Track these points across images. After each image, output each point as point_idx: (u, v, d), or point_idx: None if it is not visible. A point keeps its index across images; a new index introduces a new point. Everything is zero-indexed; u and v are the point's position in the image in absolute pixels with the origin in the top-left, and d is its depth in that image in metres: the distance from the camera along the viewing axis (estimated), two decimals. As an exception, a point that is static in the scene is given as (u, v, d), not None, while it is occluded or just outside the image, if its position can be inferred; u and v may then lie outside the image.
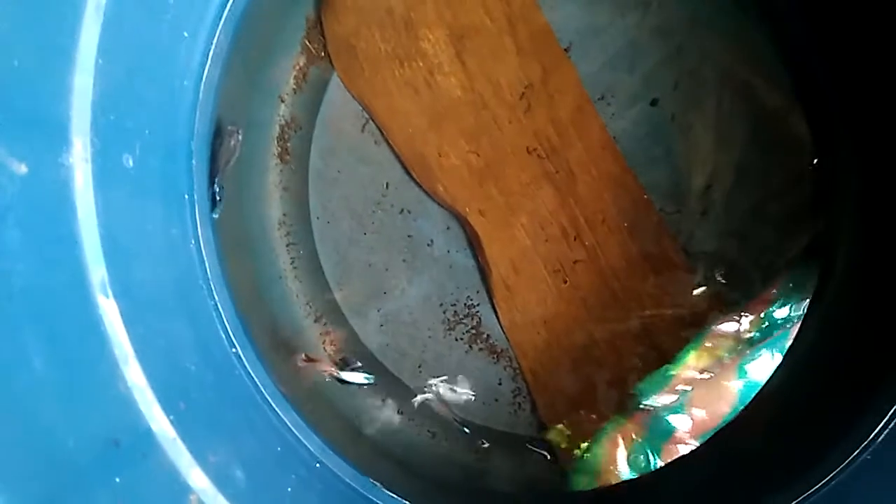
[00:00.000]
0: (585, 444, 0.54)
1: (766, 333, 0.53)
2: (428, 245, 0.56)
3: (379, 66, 0.54)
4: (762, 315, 0.54)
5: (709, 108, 0.55)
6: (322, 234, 0.57)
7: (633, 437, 0.54)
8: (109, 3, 0.36)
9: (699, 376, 0.54)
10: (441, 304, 0.56)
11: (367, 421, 0.55)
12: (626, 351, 0.55)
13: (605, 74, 0.55)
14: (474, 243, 0.56)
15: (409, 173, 0.56)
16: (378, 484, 0.49)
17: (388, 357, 0.57)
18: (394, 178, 0.56)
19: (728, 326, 0.54)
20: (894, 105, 0.48)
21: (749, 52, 0.54)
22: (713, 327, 0.54)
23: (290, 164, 0.56)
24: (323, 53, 0.55)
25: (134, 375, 0.35)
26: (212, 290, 0.47)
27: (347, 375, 0.54)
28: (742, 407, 0.53)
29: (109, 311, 0.35)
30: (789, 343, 0.53)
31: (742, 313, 0.54)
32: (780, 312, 0.53)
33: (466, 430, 0.56)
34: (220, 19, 0.46)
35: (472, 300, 0.56)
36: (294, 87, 0.56)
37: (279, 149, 0.56)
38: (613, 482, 0.54)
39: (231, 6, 0.46)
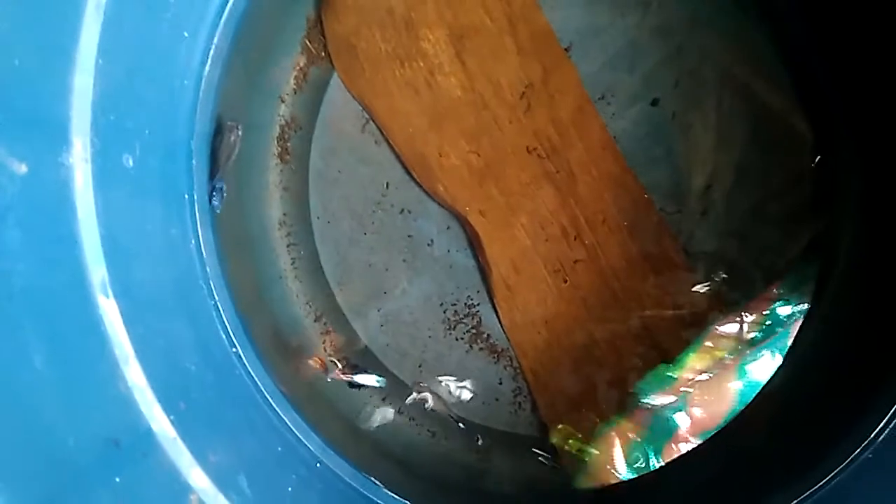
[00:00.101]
0: (586, 443, 0.54)
1: (767, 333, 0.53)
2: (428, 245, 0.56)
3: (379, 66, 0.54)
4: (763, 315, 0.54)
5: (709, 107, 0.55)
6: (322, 234, 0.57)
7: (634, 436, 0.54)
8: (110, 3, 0.36)
9: (699, 376, 0.54)
10: (441, 304, 0.56)
11: (367, 420, 0.55)
12: (626, 351, 0.55)
13: (606, 74, 0.55)
14: (474, 243, 0.56)
15: (409, 173, 0.56)
16: (378, 483, 0.49)
17: (388, 357, 0.57)
18: (394, 178, 0.56)
19: (728, 326, 0.54)
20: (895, 104, 0.48)
21: (749, 52, 0.54)
22: (713, 327, 0.54)
23: (291, 164, 0.56)
24: (323, 53, 0.55)
25: (134, 375, 0.35)
26: (212, 290, 0.47)
27: (360, 378, 0.54)
28: (743, 406, 0.53)
29: (109, 310, 0.35)
30: (790, 343, 0.53)
31: (742, 313, 0.54)
32: (781, 312, 0.53)
33: (462, 426, 0.55)
34: (221, 19, 0.46)
35: (472, 300, 0.56)
36: (294, 87, 0.56)
37: (279, 149, 0.56)
38: (614, 482, 0.54)
39: (231, 6, 0.46)
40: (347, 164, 0.56)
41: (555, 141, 0.54)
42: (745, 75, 0.54)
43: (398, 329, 0.57)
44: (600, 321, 0.54)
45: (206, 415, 0.40)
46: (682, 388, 0.54)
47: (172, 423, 0.35)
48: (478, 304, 0.56)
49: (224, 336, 0.46)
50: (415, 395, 0.55)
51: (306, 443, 0.47)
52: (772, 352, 0.53)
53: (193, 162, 0.45)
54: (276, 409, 0.48)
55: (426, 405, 0.55)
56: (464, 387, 0.56)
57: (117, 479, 0.31)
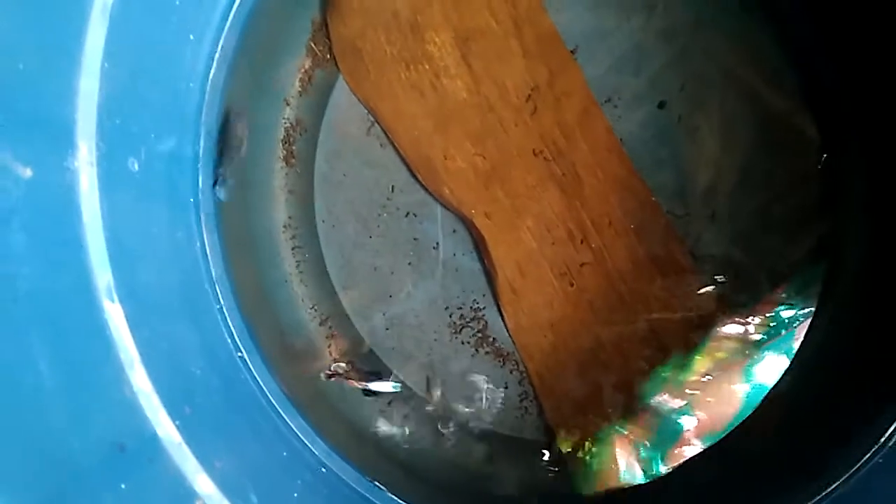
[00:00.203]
0: (592, 448, 0.54)
1: (773, 335, 0.53)
2: (434, 248, 0.56)
3: (385, 69, 0.54)
4: (769, 317, 0.53)
5: (715, 110, 0.54)
6: (327, 237, 0.57)
7: (640, 440, 0.54)
8: (115, 6, 0.36)
9: (705, 379, 0.53)
10: (447, 308, 0.56)
11: (372, 424, 0.55)
12: (633, 354, 0.54)
13: (612, 77, 0.55)
14: (480, 246, 0.55)
15: (414, 176, 0.55)
16: (383, 488, 0.49)
17: (393, 360, 0.56)
18: (399, 180, 0.56)
19: (735, 328, 0.54)
20: (902, 106, 0.48)
21: (755, 54, 0.54)
22: (720, 330, 0.54)
23: (296, 167, 0.56)
24: (328, 56, 0.55)
25: (139, 380, 0.35)
26: (217, 294, 0.47)
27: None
28: (749, 410, 0.53)
29: (115, 314, 0.35)
30: (797, 345, 0.53)
31: (749, 315, 0.54)
32: (788, 314, 0.53)
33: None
34: (226, 22, 0.46)
35: (478, 303, 0.56)
36: (299, 89, 0.56)
37: (284, 152, 0.56)
38: (620, 487, 0.53)
39: (236, 9, 0.46)
40: (353, 166, 0.56)
41: (561, 144, 0.54)
42: (751, 77, 0.54)
43: (403, 332, 0.56)
44: (607, 324, 0.54)
45: (211, 419, 0.40)
46: (687, 391, 0.54)
47: (178, 428, 0.35)
48: (483, 308, 0.56)
49: (229, 340, 0.47)
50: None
51: (311, 447, 0.47)
52: (778, 354, 0.53)
53: (199, 165, 0.45)
54: (282, 413, 0.48)
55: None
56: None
57: (123, 486, 0.31)
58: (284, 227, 0.56)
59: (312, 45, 0.55)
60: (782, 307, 0.53)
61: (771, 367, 0.53)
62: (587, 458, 0.54)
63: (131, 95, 0.38)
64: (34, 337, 0.31)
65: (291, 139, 0.56)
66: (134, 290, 0.36)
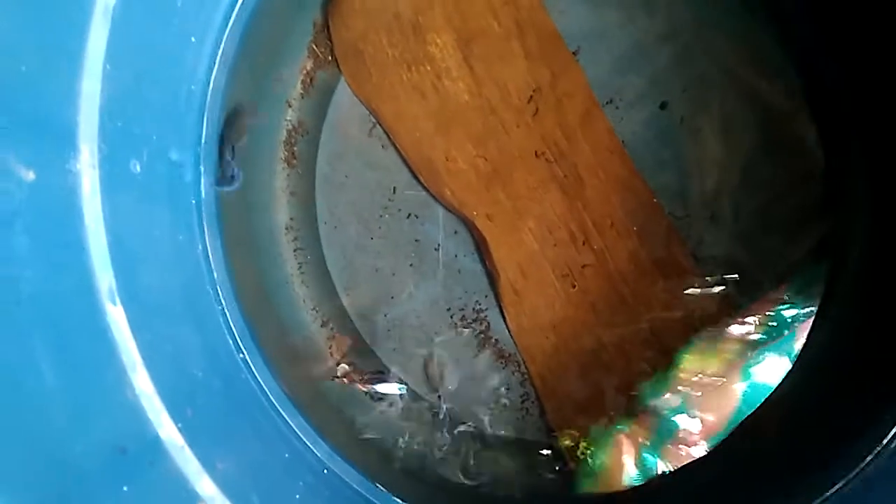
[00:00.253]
0: (592, 448, 0.54)
1: (775, 336, 0.53)
2: (435, 249, 0.56)
3: (386, 71, 0.54)
4: (770, 317, 0.53)
5: (717, 111, 0.54)
6: (329, 239, 0.57)
7: (641, 441, 0.54)
8: (117, 9, 0.35)
9: (706, 379, 0.53)
10: (448, 309, 0.56)
11: (373, 425, 0.55)
12: (634, 356, 0.54)
13: (614, 78, 0.55)
14: (482, 248, 0.55)
15: (416, 178, 0.55)
16: (385, 490, 0.48)
17: (395, 362, 0.56)
18: (401, 182, 0.56)
19: (736, 329, 0.54)
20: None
21: (757, 55, 0.54)
22: (722, 330, 0.54)
23: (297, 168, 0.56)
24: (330, 58, 0.55)
25: (141, 382, 0.35)
26: (219, 295, 0.47)
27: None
28: (750, 411, 0.53)
29: (117, 317, 0.35)
30: (798, 346, 0.53)
31: (751, 316, 0.54)
32: (789, 314, 0.53)
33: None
34: (228, 24, 0.46)
35: (479, 305, 0.56)
36: (301, 91, 0.56)
37: (286, 153, 0.56)
38: (620, 487, 0.53)
39: (238, 11, 0.46)
40: (354, 168, 0.56)
41: (562, 145, 0.54)
42: (753, 77, 0.54)
43: (405, 334, 0.56)
44: (609, 326, 0.54)
45: (213, 422, 0.39)
46: (688, 391, 0.54)
47: (180, 430, 0.35)
48: (485, 309, 0.56)
49: (231, 341, 0.46)
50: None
51: (313, 449, 0.47)
52: (779, 354, 0.53)
53: (201, 167, 0.45)
54: (283, 414, 0.48)
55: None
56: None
57: (125, 489, 0.31)
58: (286, 228, 0.56)
59: (314, 46, 0.55)
60: (783, 307, 0.53)
61: (772, 368, 0.53)
62: (588, 458, 0.54)
63: (133, 97, 0.38)
64: (36, 339, 0.31)
65: (293, 140, 0.56)
66: (136, 292, 0.36)
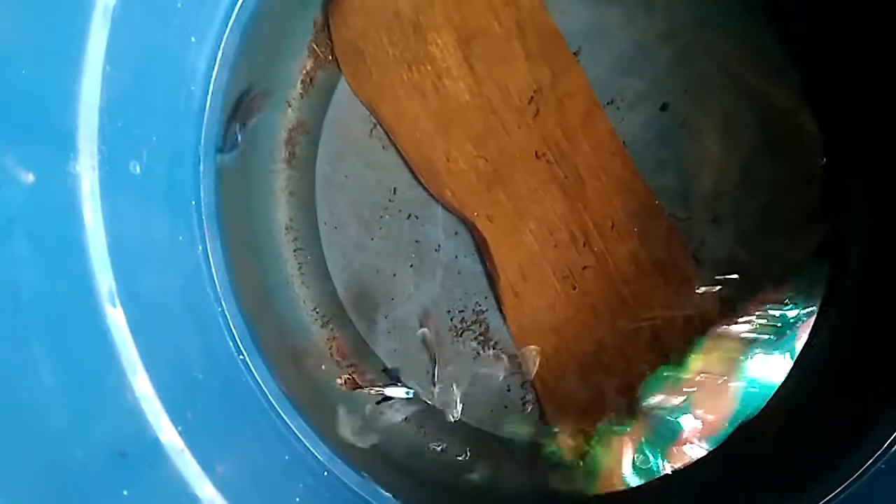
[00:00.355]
0: (593, 449, 0.54)
1: (776, 336, 0.53)
2: (436, 250, 0.56)
3: (387, 70, 0.54)
4: (772, 318, 0.53)
5: (718, 111, 0.54)
6: (329, 239, 0.56)
7: (641, 442, 0.54)
8: (117, 9, 0.35)
9: (707, 379, 0.53)
10: (449, 311, 0.56)
11: (374, 427, 0.55)
12: (635, 357, 0.54)
13: (615, 79, 0.54)
14: (482, 249, 0.55)
15: (416, 178, 0.55)
16: (385, 492, 0.48)
17: (395, 363, 0.56)
18: (401, 182, 0.56)
19: (738, 329, 0.54)
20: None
21: (757, 55, 0.54)
22: (723, 331, 0.54)
23: (297, 168, 0.56)
24: (330, 57, 0.55)
25: (141, 385, 0.34)
26: (219, 297, 0.47)
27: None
28: (751, 411, 0.53)
29: (117, 319, 0.35)
30: (800, 346, 0.53)
31: (752, 317, 0.54)
32: (791, 315, 0.53)
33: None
34: (228, 24, 0.46)
35: (480, 306, 0.56)
36: (301, 91, 0.56)
37: (286, 153, 0.56)
38: (620, 487, 0.53)
39: (238, 11, 0.46)
40: (354, 168, 0.56)
41: (563, 146, 0.54)
42: (753, 77, 0.54)
43: (405, 335, 0.56)
44: (609, 328, 0.54)
45: (213, 424, 0.39)
46: (688, 392, 0.54)
47: (180, 433, 0.35)
48: (486, 311, 0.56)
49: (231, 342, 0.46)
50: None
51: (314, 451, 0.47)
52: (781, 355, 0.53)
53: (201, 168, 0.45)
54: (283, 416, 0.48)
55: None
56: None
57: (125, 493, 0.31)
58: (286, 228, 0.56)
59: (314, 46, 0.55)
60: (784, 308, 0.53)
61: (773, 368, 0.53)
62: (589, 459, 0.54)
63: (133, 98, 0.38)
64: (36, 342, 0.30)
65: (293, 141, 0.56)
66: (136, 294, 0.36)
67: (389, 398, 0.55)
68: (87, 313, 0.34)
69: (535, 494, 0.55)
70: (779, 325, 0.53)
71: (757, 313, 0.54)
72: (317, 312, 0.57)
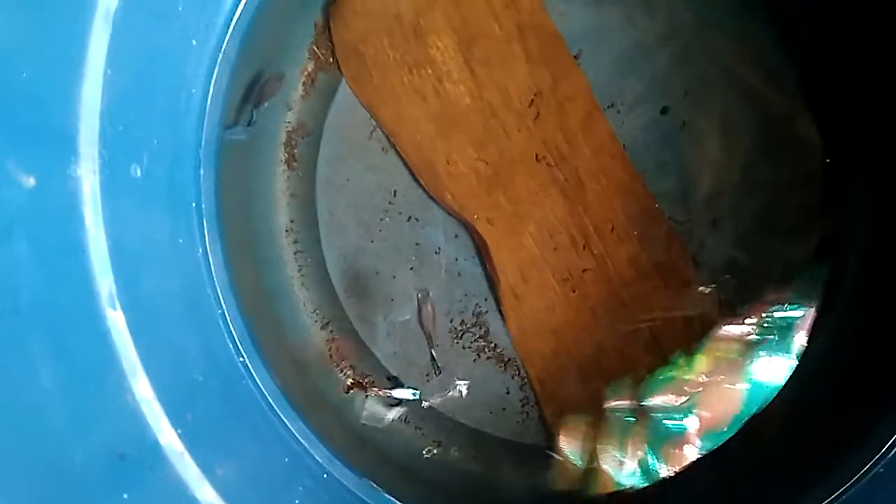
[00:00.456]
0: (592, 452, 0.54)
1: (776, 337, 0.53)
2: (436, 253, 0.56)
3: (387, 73, 0.54)
4: (772, 319, 0.53)
5: (718, 114, 0.54)
6: (329, 242, 0.56)
7: (640, 443, 0.54)
8: (118, 13, 0.35)
9: (707, 381, 0.53)
10: (448, 313, 0.56)
11: (374, 429, 0.55)
12: (634, 360, 0.54)
13: (615, 82, 0.54)
14: (482, 251, 0.55)
15: (416, 181, 0.55)
16: (385, 493, 0.48)
17: (395, 365, 0.56)
18: (402, 185, 0.56)
19: (738, 331, 0.54)
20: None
21: (757, 56, 0.54)
22: (723, 333, 0.54)
23: (298, 170, 0.56)
24: (331, 60, 0.55)
25: (142, 388, 0.35)
26: (219, 298, 0.47)
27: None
28: (751, 412, 0.52)
29: (117, 322, 0.35)
30: (800, 347, 0.53)
31: (752, 318, 0.54)
32: (791, 316, 0.53)
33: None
34: (229, 27, 0.46)
35: (480, 308, 0.56)
36: (302, 93, 0.56)
37: (287, 155, 0.56)
38: (620, 490, 0.53)
39: (240, 14, 0.46)
40: (355, 171, 0.56)
41: (563, 149, 0.54)
42: (754, 79, 0.54)
43: (405, 337, 0.56)
44: (609, 330, 0.54)
45: (212, 426, 0.39)
46: (688, 394, 0.53)
47: (179, 436, 0.35)
48: (485, 313, 0.56)
49: (230, 344, 0.46)
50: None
51: (313, 453, 0.47)
52: (780, 357, 0.53)
53: (201, 170, 0.45)
54: (283, 417, 0.48)
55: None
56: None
57: (125, 496, 0.31)
58: (286, 230, 0.56)
59: (315, 48, 0.55)
60: (784, 309, 0.53)
61: (773, 370, 0.53)
62: (588, 462, 0.54)
63: (134, 101, 0.38)
64: (36, 345, 0.31)
65: (294, 143, 0.56)
66: (136, 297, 0.36)
67: (398, 400, 0.55)
68: (88, 316, 0.34)
69: (535, 496, 0.55)
70: (778, 326, 0.53)
71: (756, 315, 0.54)
72: (317, 314, 0.57)
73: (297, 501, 0.42)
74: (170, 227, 0.42)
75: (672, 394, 0.54)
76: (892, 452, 0.43)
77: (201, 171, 0.46)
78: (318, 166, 0.56)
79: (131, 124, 0.37)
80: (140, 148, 0.39)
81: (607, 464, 0.54)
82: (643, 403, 0.54)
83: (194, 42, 0.43)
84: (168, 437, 0.35)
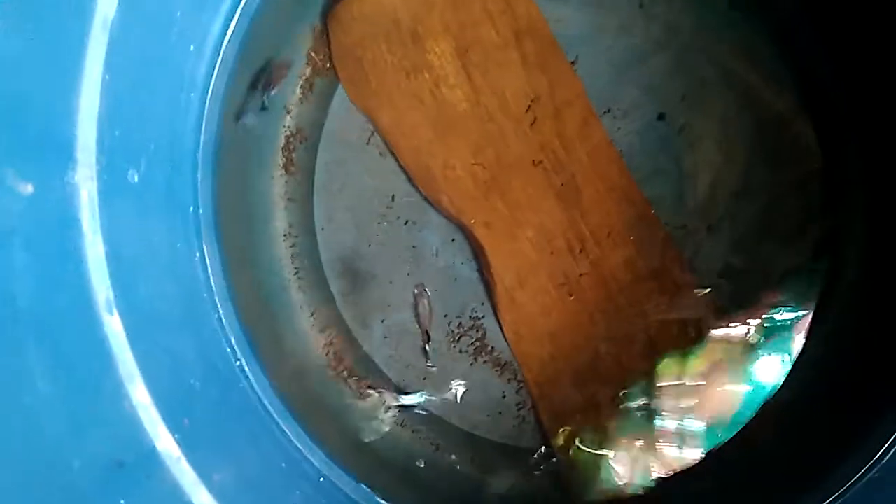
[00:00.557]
0: (589, 456, 0.54)
1: (772, 340, 0.53)
2: (433, 257, 0.56)
3: (385, 78, 0.54)
4: (768, 321, 0.53)
5: (716, 119, 0.54)
6: (327, 246, 0.57)
7: (636, 447, 0.54)
8: (116, 19, 0.36)
9: (703, 384, 0.53)
10: (446, 316, 0.56)
11: (371, 433, 0.55)
12: (631, 364, 0.54)
13: (612, 87, 0.54)
14: (479, 255, 0.55)
15: (414, 185, 0.55)
16: (382, 498, 0.49)
17: (392, 368, 0.56)
18: (399, 189, 0.56)
19: (733, 335, 0.54)
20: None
21: (755, 60, 0.54)
22: (720, 336, 0.54)
23: (295, 174, 0.56)
24: (329, 64, 0.55)
25: (139, 394, 0.35)
26: (216, 303, 0.47)
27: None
28: (748, 415, 0.53)
29: (114, 328, 0.35)
30: (796, 350, 0.53)
31: (748, 321, 0.54)
32: (787, 318, 0.53)
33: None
34: (226, 32, 0.46)
35: (476, 312, 0.56)
36: (300, 97, 0.56)
37: (284, 159, 0.56)
38: (616, 495, 0.53)
39: (237, 19, 0.46)
40: (352, 175, 0.56)
41: (560, 154, 0.54)
42: (750, 82, 0.54)
43: (402, 340, 0.56)
44: (605, 335, 0.54)
45: (209, 431, 0.40)
46: (685, 396, 0.54)
47: (177, 441, 0.35)
48: (482, 317, 0.56)
49: (228, 348, 0.47)
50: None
51: (310, 458, 0.47)
52: (777, 358, 0.53)
53: (199, 175, 0.45)
54: (279, 422, 0.48)
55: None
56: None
57: (122, 502, 0.31)
58: (284, 234, 0.56)
59: (313, 53, 0.55)
60: (781, 311, 0.53)
61: (769, 372, 0.53)
62: (584, 466, 0.54)
63: (131, 107, 0.38)
64: (33, 352, 0.31)
65: (291, 147, 0.56)
66: (133, 302, 0.36)
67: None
68: (85, 321, 0.34)
69: (531, 500, 0.55)
70: (775, 329, 0.53)
71: (753, 318, 0.54)
72: (314, 318, 0.57)
73: (294, 506, 0.43)
74: (167, 232, 0.43)
75: (668, 397, 0.54)
76: (891, 454, 0.43)
77: (199, 176, 0.46)
78: (315, 171, 0.56)
79: (129, 130, 0.38)
80: (137, 153, 0.39)
81: (604, 468, 0.54)
82: (639, 407, 0.54)
83: (192, 48, 0.43)
84: (165, 442, 0.35)
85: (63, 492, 0.30)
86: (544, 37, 0.54)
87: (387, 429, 0.55)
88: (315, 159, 0.56)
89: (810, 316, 0.53)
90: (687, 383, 0.54)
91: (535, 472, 0.55)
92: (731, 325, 0.54)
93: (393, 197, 0.56)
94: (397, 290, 0.56)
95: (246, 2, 0.46)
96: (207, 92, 0.46)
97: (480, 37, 0.54)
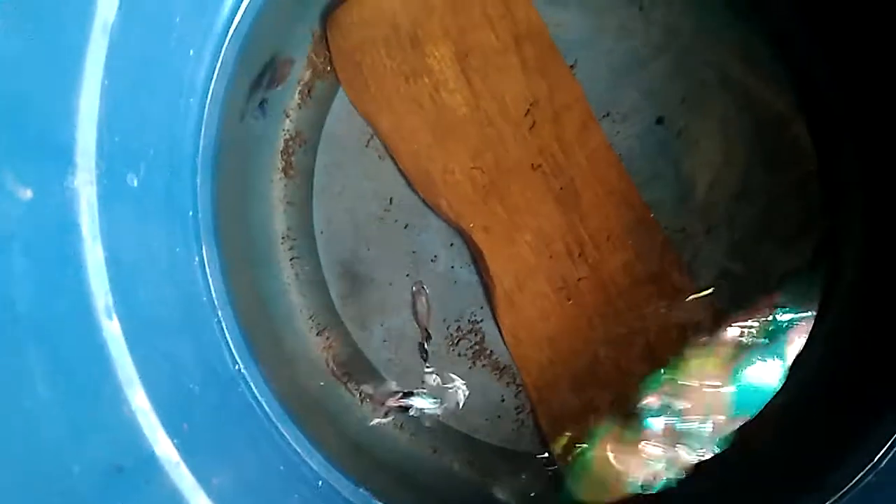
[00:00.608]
0: (587, 459, 0.54)
1: (771, 343, 0.53)
2: (432, 260, 0.56)
3: (384, 82, 0.54)
4: (767, 324, 0.54)
5: (714, 123, 0.54)
6: (326, 249, 0.57)
7: (635, 450, 0.54)
8: (116, 24, 0.36)
9: (702, 387, 0.54)
10: (444, 320, 0.56)
11: (369, 436, 0.55)
12: (629, 367, 0.54)
13: (611, 91, 0.55)
14: (478, 259, 0.56)
15: (413, 189, 0.56)
16: (381, 502, 0.49)
17: (391, 372, 0.56)
18: (398, 193, 0.56)
19: (732, 337, 0.54)
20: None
21: (754, 62, 0.54)
22: (718, 339, 0.54)
23: (295, 178, 0.56)
24: (328, 68, 0.55)
25: (138, 398, 0.35)
26: (215, 307, 0.47)
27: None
28: (745, 419, 0.53)
29: (114, 332, 0.35)
30: (795, 352, 0.53)
31: (747, 324, 0.54)
32: (786, 321, 0.53)
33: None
34: (226, 36, 0.46)
35: (475, 316, 0.56)
36: (299, 101, 0.56)
37: (283, 163, 0.56)
38: (615, 497, 0.54)
39: (237, 23, 0.46)
40: (351, 178, 0.56)
41: (559, 158, 0.54)
42: (749, 84, 0.54)
43: (401, 344, 0.56)
44: (604, 339, 0.54)
45: (208, 435, 0.40)
46: (683, 399, 0.54)
47: (176, 446, 0.35)
48: (481, 321, 0.56)
49: (227, 352, 0.47)
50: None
51: (308, 461, 0.47)
52: (776, 361, 0.53)
53: (198, 179, 0.45)
54: (278, 425, 0.48)
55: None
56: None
57: (121, 507, 0.31)
58: (283, 238, 0.56)
59: (312, 57, 0.55)
60: (779, 314, 0.53)
61: (768, 375, 0.53)
62: (582, 469, 0.54)
63: (131, 112, 0.38)
64: (33, 356, 0.31)
65: (291, 150, 0.56)
66: (133, 307, 0.36)
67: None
68: (84, 326, 0.34)
69: (529, 503, 0.55)
70: (774, 331, 0.53)
71: (751, 321, 0.54)
72: (313, 321, 0.57)
73: (292, 510, 0.43)
74: (166, 237, 0.43)
75: (667, 400, 0.54)
76: (890, 455, 0.43)
77: (198, 180, 0.46)
78: (314, 174, 0.56)
79: (128, 135, 0.38)
80: (137, 158, 0.39)
81: (602, 471, 0.54)
82: (638, 411, 0.54)
83: (191, 53, 0.43)
84: (164, 447, 0.35)
85: (62, 496, 0.30)
86: (544, 41, 0.54)
87: (385, 431, 0.55)
88: (314, 163, 0.56)
89: (809, 318, 0.53)
90: (686, 386, 0.54)
91: (533, 475, 0.55)
92: (730, 328, 0.54)
93: (392, 200, 0.56)
94: (396, 293, 0.56)
95: (245, 6, 0.46)
96: (207, 96, 0.46)
97: (480, 41, 0.54)
